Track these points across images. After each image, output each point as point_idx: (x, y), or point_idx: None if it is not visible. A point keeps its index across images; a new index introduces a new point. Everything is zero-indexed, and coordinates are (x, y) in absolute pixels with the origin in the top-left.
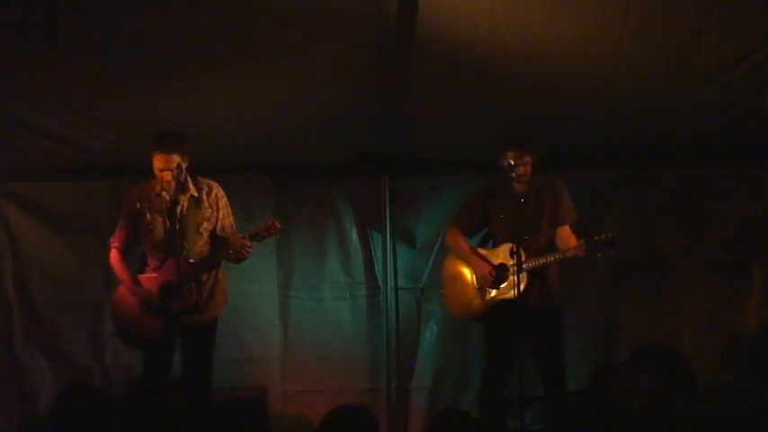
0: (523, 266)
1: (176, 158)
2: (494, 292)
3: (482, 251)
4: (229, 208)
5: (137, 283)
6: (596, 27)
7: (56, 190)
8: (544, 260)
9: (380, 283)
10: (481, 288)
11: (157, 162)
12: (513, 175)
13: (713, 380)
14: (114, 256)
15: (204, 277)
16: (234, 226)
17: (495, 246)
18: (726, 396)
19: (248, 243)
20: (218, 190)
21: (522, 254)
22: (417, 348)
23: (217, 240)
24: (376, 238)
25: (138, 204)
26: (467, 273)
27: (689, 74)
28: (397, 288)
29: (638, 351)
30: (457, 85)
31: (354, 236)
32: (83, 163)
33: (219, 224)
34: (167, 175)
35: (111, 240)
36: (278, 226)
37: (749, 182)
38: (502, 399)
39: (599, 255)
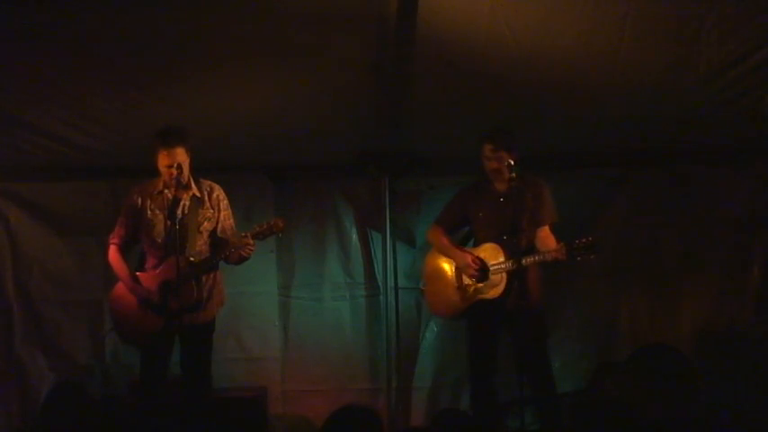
0: (499, 267)
1: (181, 152)
2: (474, 288)
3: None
4: (230, 210)
5: (135, 280)
6: (596, 27)
7: (56, 190)
8: (526, 261)
9: (380, 283)
10: (461, 287)
11: (163, 159)
12: (492, 166)
13: (713, 380)
14: (113, 252)
15: (204, 277)
16: (234, 228)
17: (476, 245)
18: (726, 396)
19: (251, 241)
20: (219, 191)
21: (502, 254)
22: (417, 348)
23: (217, 241)
24: (376, 238)
25: (140, 201)
26: (448, 270)
27: (689, 74)
28: (397, 288)
29: (638, 351)
30: (457, 86)
31: (354, 236)
32: (83, 163)
33: (220, 225)
34: (174, 172)
35: (111, 237)
36: (281, 225)
37: (749, 182)
38: (492, 398)
39: (579, 258)
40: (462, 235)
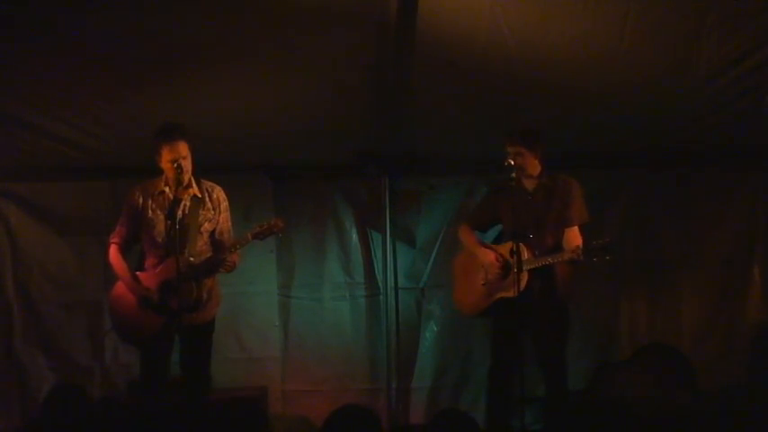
0: (523, 266)
1: (183, 146)
2: (497, 285)
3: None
4: (229, 213)
5: (135, 279)
6: (596, 27)
7: (56, 190)
8: (540, 262)
9: (380, 283)
10: (487, 283)
11: (165, 154)
12: (505, 163)
13: (713, 380)
14: (113, 251)
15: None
16: (231, 232)
17: (504, 242)
18: (726, 396)
19: (235, 259)
20: (220, 192)
21: (525, 252)
22: (417, 348)
23: (215, 243)
24: (376, 238)
25: (141, 201)
26: (474, 268)
27: (689, 74)
28: (397, 288)
29: (638, 351)
30: (456, 86)
31: (354, 236)
32: (83, 163)
33: (219, 228)
34: (180, 166)
35: (111, 236)
36: (281, 225)
37: (749, 182)
38: (507, 396)
39: (595, 259)
40: (497, 234)
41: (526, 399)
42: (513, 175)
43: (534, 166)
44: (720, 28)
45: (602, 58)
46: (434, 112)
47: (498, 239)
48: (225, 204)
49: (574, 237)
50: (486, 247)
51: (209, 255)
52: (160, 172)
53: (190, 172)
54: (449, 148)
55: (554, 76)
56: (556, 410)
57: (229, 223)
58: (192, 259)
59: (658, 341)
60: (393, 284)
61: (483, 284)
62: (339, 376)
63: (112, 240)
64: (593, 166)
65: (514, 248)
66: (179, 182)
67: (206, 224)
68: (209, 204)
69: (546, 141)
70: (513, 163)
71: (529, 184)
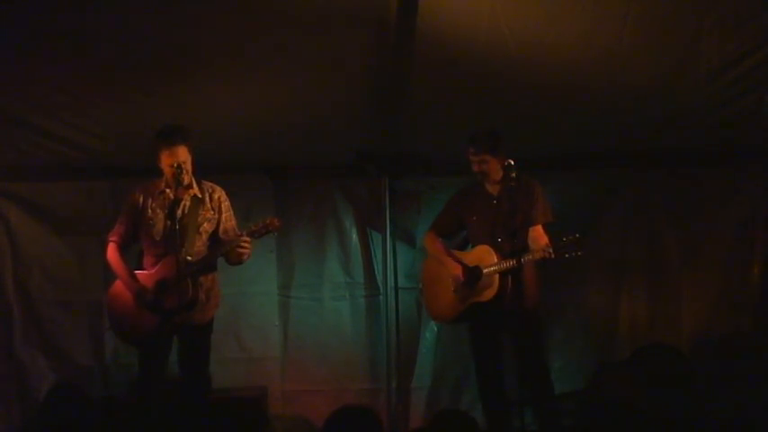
0: (492, 269)
1: (183, 150)
2: (468, 291)
3: (458, 253)
4: (232, 212)
5: (132, 277)
6: (596, 27)
7: (56, 190)
8: (509, 263)
9: (380, 283)
10: (456, 290)
11: (165, 157)
12: (505, 163)
13: (713, 380)
14: (112, 249)
15: (202, 278)
16: (236, 229)
17: (472, 248)
18: (726, 396)
19: (246, 239)
20: (220, 193)
21: (495, 257)
22: (417, 348)
23: (218, 242)
24: (376, 238)
25: (142, 200)
26: (444, 275)
27: (689, 74)
28: (397, 288)
29: (638, 351)
30: (457, 86)
31: (354, 236)
32: (83, 163)
33: (222, 227)
34: (180, 168)
35: (110, 235)
36: (276, 223)
37: (749, 182)
38: (502, 397)
39: (567, 256)
40: (462, 238)
41: (525, 399)
42: (513, 174)
43: (497, 171)
44: (720, 28)
45: (601, 59)
46: (435, 112)
47: (462, 247)
48: (226, 204)
49: (539, 235)
50: (453, 257)
51: (206, 254)
52: (161, 172)
53: (190, 173)
54: (449, 148)
55: (554, 76)
56: (543, 412)
57: (233, 221)
58: (189, 258)
59: (658, 341)
60: (393, 284)
61: (453, 291)
62: (339, 376)
63: (111, 239)
64: (593, 166)
65: (504, 250)
66: (179, 182)
67: (205, 224)
68: (208, 205)
69: (505, 142)
70: (512, 162)
71: (493, 189)
